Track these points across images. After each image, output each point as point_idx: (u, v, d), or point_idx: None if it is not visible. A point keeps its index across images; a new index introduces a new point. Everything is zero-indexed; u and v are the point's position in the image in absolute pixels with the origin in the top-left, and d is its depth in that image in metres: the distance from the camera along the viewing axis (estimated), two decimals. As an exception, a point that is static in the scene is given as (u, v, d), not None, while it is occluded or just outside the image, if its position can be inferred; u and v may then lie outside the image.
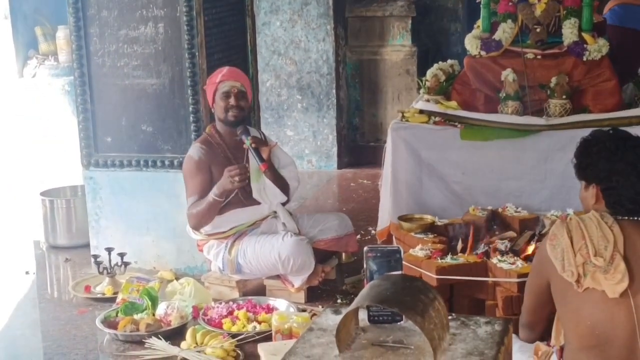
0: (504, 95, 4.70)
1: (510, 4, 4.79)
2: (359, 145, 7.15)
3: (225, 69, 4.53)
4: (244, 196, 4.49)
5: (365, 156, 6.99)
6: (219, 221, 4.48)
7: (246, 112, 4.53)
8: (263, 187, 4.52)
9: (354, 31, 7.10)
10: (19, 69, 6.59)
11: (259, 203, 4.51)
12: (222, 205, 4.37)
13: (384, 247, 2.09)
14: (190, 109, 4.78)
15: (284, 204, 4.60)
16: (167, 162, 4.86)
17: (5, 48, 6.52)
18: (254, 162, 4.45)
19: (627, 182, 2.64)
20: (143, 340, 4.02)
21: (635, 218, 2.64)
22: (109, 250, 4.75)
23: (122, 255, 4.74)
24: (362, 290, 1.91)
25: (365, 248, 2.07)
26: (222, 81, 4.47)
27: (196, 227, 4.43)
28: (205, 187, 4.37)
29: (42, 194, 5.62)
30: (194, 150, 4.45)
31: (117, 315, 4.25)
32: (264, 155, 4.39)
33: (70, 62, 5.16)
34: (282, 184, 4.55)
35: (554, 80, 4.60)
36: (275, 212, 4.53)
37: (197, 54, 4.72)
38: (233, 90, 4.45)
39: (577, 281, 2.58)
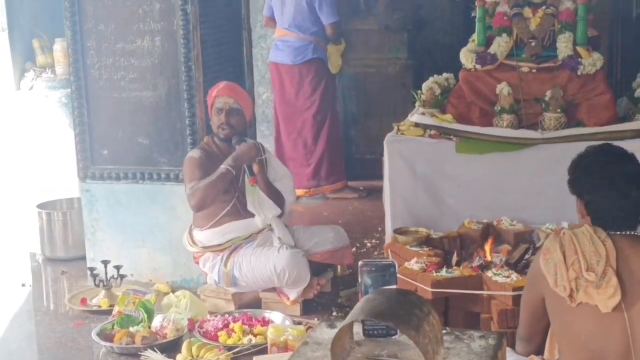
0: (499, 108, 4.72)
1: (505, 18, 4.82)
2: (354, 158, 7.15)
3: (222, 84, 4.55)
4: (240, 208, 4.51)
5: (360, 169, 7.00)
6: (215, 234, 4.49)
7: (238, 129, 4.52)
8: (257, 200, 4.53)
9: (350, 44, 7.10)
10: (16, 81, 6.59)
11: (253, 215, 4.53)
12: (231, 180, 4.36)
13: (379, 261, 2.10)
14: (187, 121, 4.79)
15: (279, 217, 4.61)
16: (163, 175, 4.87)
17: (3, 60, 6.53)
18: (247, 174, 4.48)
19: (606, 197, 2.67)
20: (139, 352, 4.02)
21: (629, 233, 2.66)
22: (105, 262, 4.76)
23: (118, 267, 4.75)
24: (356, 304, 1.93)
25: (360, 262, 2.08)
26: (217, 96, 4.50)
27: (199, 204, 4.33)
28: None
29: (39, 206, 5.63)
30: (194, 152, 4.49)
31: (113, 328, 4.25)
32: (254, 170, 4.42)
33: (68, 74, 5.18)
34: (277, 197, 4.56)
35: (548, 93, 4.62)
36: (270, 225, 4.54)
37: (193, 67, 4.74)
38: (225, 107, 4.47)
39: (570, 296, 2.59)
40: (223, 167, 4.34)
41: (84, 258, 5.14)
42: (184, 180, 4.51)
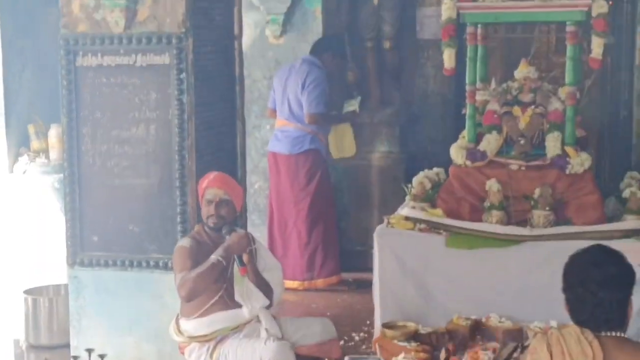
0: (489, 204, 4.76)
1: (495, 116, 4.91)
2: (344, 250, 7.15)
3: (212, 175, 4.58)
4: (228, 298, 4.48)
5: (351, 261, 6.99)
6: (202, 323, 4.45)
7: (227, 219, 4.53)
8: (246, 290, 4.51)
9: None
10: (10, 165, 6.64)
11: (241, 306, 4.50)
12: (221, 270, 4.33)
13: (364, 357, 2.09)
14: (178, 209, 4.81)
15: (267, 308, 4.58)
16: (152, 263, 4.86)
17: (-2, 145, 6.59)
18: (236, 264, 4.46)
19: (579, 297, 2.69)
20: None
21: (616, 334, 2.66)
22: (89, 351, 4.69)
23: (102, 356, 4.67)
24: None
25: (346, 358, 2.07)
26: (207, 187, 4.52)
27: (190, 295, 4.28)
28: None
29: (26, 292, 5.59)
30: (185, 241, 4.47)
31: (94, 419, 4.17)
32: (244, 260, 4.42)
33: (61, 159, 5.21)
34: (265, 288, 4.54)
35: (537, 191, 4.67)
36: (258, 316, 4.51)
37: (186, 156, 4.78)
38: (215, 198, 4.49)
39: (557, 397, 2.58)
40: (214, 257, 4.33)
41: (68, 346, 5.07)
42: (173, 269, 4.49)
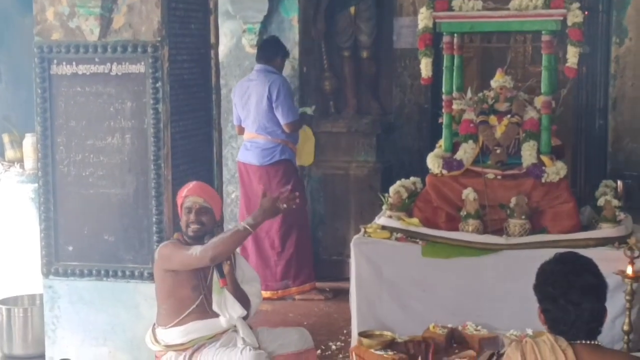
0: (465, 213, 4.78)
1: (471, 125, 4.93)
2: (321, 259, 7.15)
3: (192, 184, 4.56)
4: (207, 307, 4.46)
5: (327, 270, 6.99)
6: (179, 332, 4.43)
7: (208, 227, 4.51)
8: (224, 300, 4.49)
9: (319, 146, 7.21)
10: (-16, 175, 6.59)
11: (218, 315, 4.48)
12: (245, 239, 4.34)
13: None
14: (154, 219, 4.78)
15: (244, 318, 4.57)
16: (127, 272, 4.82)
17: (-28, 154, 6.54)
18: (216, 275, 4.44)
19: (560, 308, 2.69)
20: None
21: (589, 342, 2.67)
22: (64, 361, 4.66)
23: (77, 366, 4.65)
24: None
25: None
26: (187, 196, 4.50)
27: (217, 256, 4.24)
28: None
29: (0, 302, 5.54)
30: (168, 242, 4.44)
31: None
32: (225, 271, 4.40)
33: (36, 169, 5.18)
34: (243, 298, 4.53)
35: (513, 200, 4.70)
36: (235, 325, 4.49)
37: (162, 165, 4.76)
38: (195, 205, 4.47)
39: (530, 405, 2.58)
40: (241, 225, 4.29)
41: (43, 356, 5.03)
42: (170, 262, 4.30)
